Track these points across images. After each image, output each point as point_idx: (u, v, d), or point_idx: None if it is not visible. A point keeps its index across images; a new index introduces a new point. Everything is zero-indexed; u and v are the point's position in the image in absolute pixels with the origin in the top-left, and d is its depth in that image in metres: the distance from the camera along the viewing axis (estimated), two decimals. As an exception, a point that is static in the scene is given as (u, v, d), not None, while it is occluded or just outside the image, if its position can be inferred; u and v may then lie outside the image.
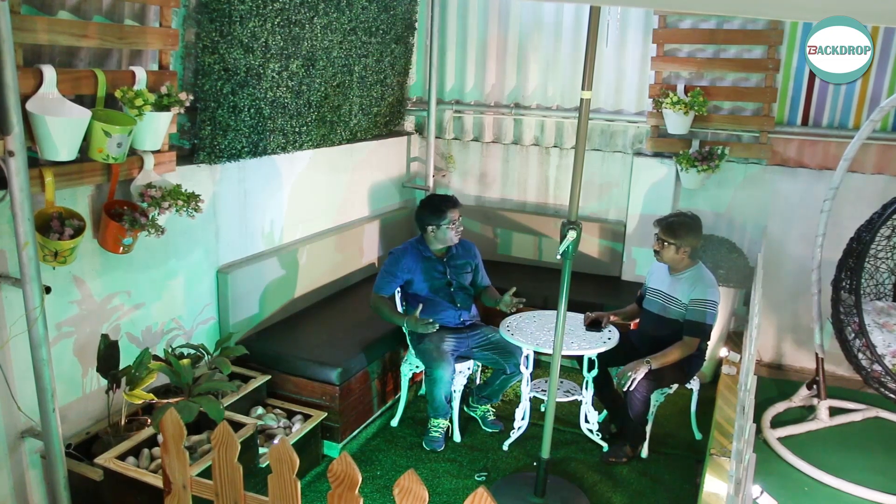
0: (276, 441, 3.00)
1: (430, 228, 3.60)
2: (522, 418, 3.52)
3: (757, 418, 3.53)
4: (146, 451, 2.68)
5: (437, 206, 3.60)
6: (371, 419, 3.69)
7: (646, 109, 4.50)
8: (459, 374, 3.55)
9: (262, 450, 2.92)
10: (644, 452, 3.49)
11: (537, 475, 3.04)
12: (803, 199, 4.22)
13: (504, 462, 3.43)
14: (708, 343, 3.44)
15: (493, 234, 4.97)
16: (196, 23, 3.06)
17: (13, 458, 2.58)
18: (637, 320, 3.71)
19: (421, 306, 3.54)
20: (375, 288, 3.64)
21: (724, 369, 3.99)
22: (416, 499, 1.49)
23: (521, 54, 4.77)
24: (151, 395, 2.71)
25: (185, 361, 2.83)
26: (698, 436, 3.68)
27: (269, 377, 3.35)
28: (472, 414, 3.79)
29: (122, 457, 2.59)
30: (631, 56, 4.52)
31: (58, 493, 2.43)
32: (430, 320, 3.46)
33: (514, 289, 3.61)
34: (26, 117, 2.23)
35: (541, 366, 4.12)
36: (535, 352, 3.38)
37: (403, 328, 3.58)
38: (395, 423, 3.73)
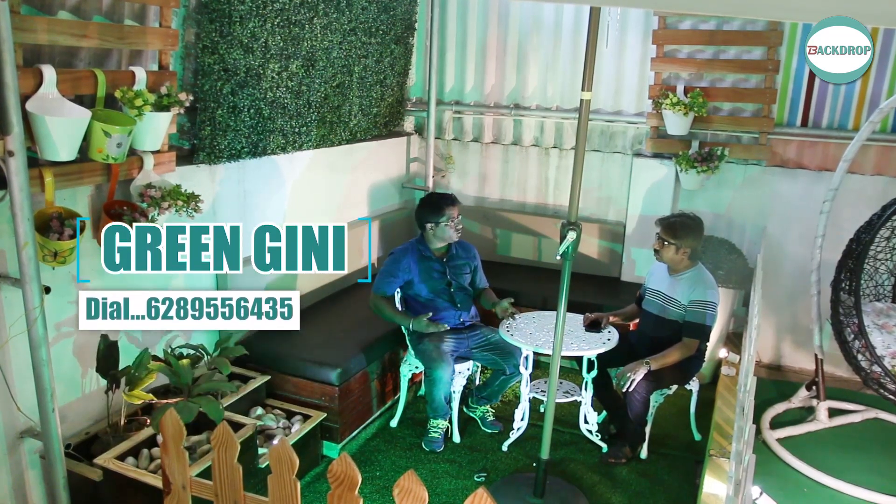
0: (275, 441, 3.00)
1: (429, 226, 3.60)
2: (522, 419, 3.52)
3: (756, 419, 3.53)
4: (146, 451, 2.68)
5: (435, 203, 3.61)
6: (370, 420, 3.69)
7: (645, 110, 4.50)
8: (459, 375, 3.55)
9: (261, 450, 2.92)
10: (643, 453, 3.49)
11: (536, 476, 3.04)
12: (803, 201, 4.21)
13: (503, 463, 3.43)
14: (707, 344, 3.44)
15: (492, 235, 4.97)
16: (196, 23, 3.06)
17: (12, 459, 2.57)
18: (636, 321, 3.71)
19: (431, 314, 3.55)
20: (374, 288, 3.64)
21: (724, 370, 3.99)
22: (416, 499, 1.48)
23: (521, 55, 4.77)
24: (151, 396, 2.71)
25: (185, 362, 2.83)
26: (697, 437, 3.68)
27: (269, 377, 3.35)
28: (471, 414, 3.79)
29: (121, 457, 2.59)
30: (631, 57, 4.51)
31: (57, 493, 2.43)
32: (442, 323, 3.49)
33: (512, 299, 3.62)
34: (26, 117, 2.23)
35: (540, 366, 4.12)
36: (534, 352, 3.38)
37: (404, 328, 3.58)
38: (394, 423, 3.73)
